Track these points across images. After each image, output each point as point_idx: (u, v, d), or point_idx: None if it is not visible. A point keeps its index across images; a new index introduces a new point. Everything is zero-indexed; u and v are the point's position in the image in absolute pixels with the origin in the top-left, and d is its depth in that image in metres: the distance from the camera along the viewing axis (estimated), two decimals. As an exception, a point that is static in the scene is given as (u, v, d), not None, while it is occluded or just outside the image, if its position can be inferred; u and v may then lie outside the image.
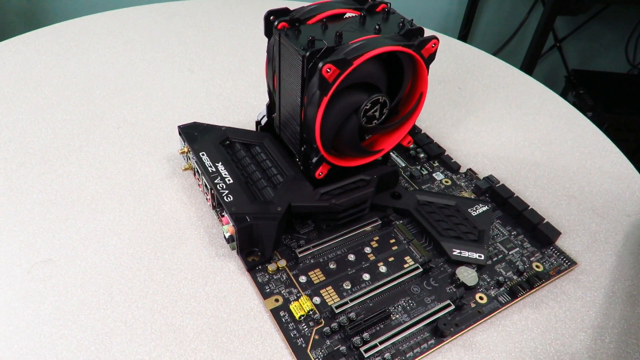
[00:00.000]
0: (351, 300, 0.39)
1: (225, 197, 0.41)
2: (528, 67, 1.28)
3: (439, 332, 0.38)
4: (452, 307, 0.39)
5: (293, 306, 0.38)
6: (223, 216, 0.42)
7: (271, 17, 0.41)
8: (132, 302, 0.39)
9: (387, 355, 0.36)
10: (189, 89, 0.64)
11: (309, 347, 0.36)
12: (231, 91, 0.64)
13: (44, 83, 0.63)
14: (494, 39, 1.54)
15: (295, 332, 0.37)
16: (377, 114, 0.41)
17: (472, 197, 0.50)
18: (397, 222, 0.47)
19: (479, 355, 0.37)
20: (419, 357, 0.37)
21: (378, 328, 0.38)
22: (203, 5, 0.85)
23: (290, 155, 0.46)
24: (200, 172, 0.45)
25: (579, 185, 0.53)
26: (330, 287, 0.41)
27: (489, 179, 0.51)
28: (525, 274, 0.43)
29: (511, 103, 0.66)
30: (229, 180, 0.43)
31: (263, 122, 0.49)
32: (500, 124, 0.62)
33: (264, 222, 0.40)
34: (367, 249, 0.44)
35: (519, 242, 0.46)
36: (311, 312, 0.38)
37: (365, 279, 0.42)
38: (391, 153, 0.53)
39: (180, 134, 0.49)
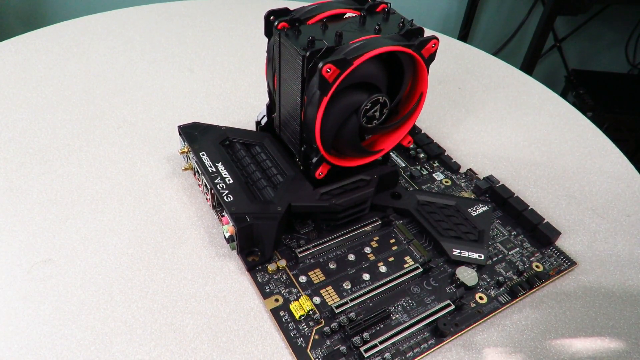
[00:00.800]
0: (351, 300, 0.39)
1: (225, 197, 0.41)
2: (528, 67, 1.29)
3: (439, 332, 0.38)
4: (452, 307, 0.39)
5: (293, 306, 0.39)
6: (223, 216, 0.42)
7: (271, 17, 0.41)
8: (132, 301, 0.39)
9: (387, 355, 0.36)
10: (189, 89, 0.64)
11: (309, 347, 0.36)
12: (231, 91, 0.64)
13: (44, 83, 0.63)
14: (494, 39, 1.54)
15: (295, 332, 0.37)
16: (377, 114, 0.41)
17: (472, 197, 0.50)
18: (397, 222, 0.47)
19: (479, 355, 0.38)
20: (419, 357, 0.37)
21: (378, 328, 0.38)
22: (203, 5, 0.85)
23: (290, 155, 0.46)
24: (200, 172, 0.45)
25: (579, 185, 0.53)
26: (330, 287, 0.41)
27: (489, 179, 0.51)
28: (525, 274, 0.43)
29: (511, 103, 0.66)
30: (229, 180, 0.43)
31: (263, 122, 0.49)
32: (500, 124, 0.62)
33: (264, 222, 0.40)
34: (367, 249, 0.44)
35: (518, 242, 0.46)
36: (311, 312, 0.38)
37: (365, 278, 0.42)
38: (391, 153, 0.53)
39: (180, 134, 0.49)
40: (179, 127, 0.49)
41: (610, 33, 1.51)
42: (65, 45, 0.71)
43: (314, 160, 0.41)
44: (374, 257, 0.43)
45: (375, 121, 0.42)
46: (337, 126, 0.40)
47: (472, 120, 0.63)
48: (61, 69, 0.66)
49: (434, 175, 0.52)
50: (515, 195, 0.49)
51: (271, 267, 0.41)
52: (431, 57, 0.40)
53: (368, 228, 0.45)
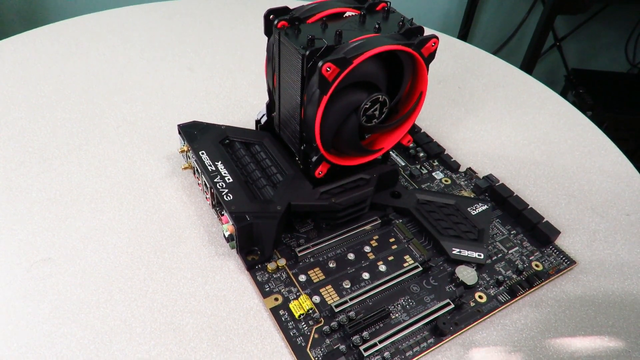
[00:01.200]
0: (351, 299, 0.39)
1: (224, 196, 0.41)
2: (528, 66, 1.29)
3: (439, 331, 0.38)
4: (452, 306, 0.39)
5: (293, 305, 0.39)
6: (223, 215, 0.42)
7: (271, 16, 0.41)
8: (132, 300, 0.39)
9: (386, 354, 0.36)
10: (188, 88, 0.64)
11: (309, 346, 0.36)
12: (231, 90, 0.64)
13: (44, 82, 0.63)
14: (494, 38, 1.54)
15: (295, 331, 0.37)
16: (376, 113, 0.41)
17: (472, 196, 0.50)
18: (397, 221, 0.47)
19: (479, 354, 0.38)
20: (419, 356, 0.37)
21: (377, 327, 0.38)
22: (203, 4, 0.85)
23: (290, 154, 0.46)
24: (199, 171, 0.45)
25: (579, 184, 0.53)
26: (329, 286, 0.41)
27: (489, 178, 0.51)
28: (524, 273, 0.43)
29: (511, 102, 0.66)
30: (228, 179, 0.43)
31: (263, 121, 0.49)
32: (500, 123, 0.62)
33: (263, 221, 0.40)
34: (367, 248, 0.44)
35: (518, 241, 0.46)
36: (311, 311, 0.38)
37: (365, 278, 0.42)
38: (391, 152, 0.53)
39: (179, 132, 0.49)
40: (179, 126, 0.49)
41: (610, 32, 1.51)
42: (65, 44, 0.71)
43: (314, 159, 0.41)
44: (373, 256, 0.43)
45: (375, 120, 0.41)
46: (337, 125, 0.40)
47: (472, 119, 0.63)
48: (61, 67, 0.66)
49: (433, 174, 0.52)
50: (514, 194, 0.49)
51: (271, 266, 0.41)
52: (431, 56, 0.40)
53: (368, 227, 0.45)
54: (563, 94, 1.39)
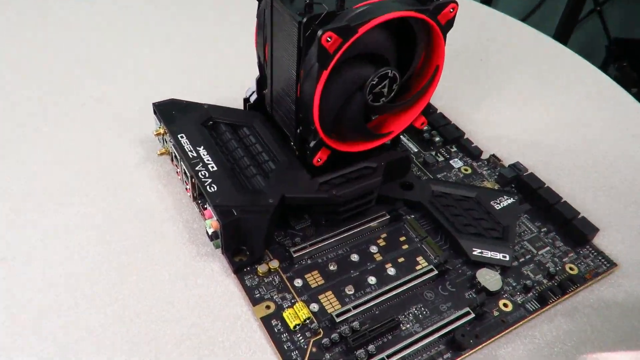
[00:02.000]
0: (354, 308, 0.39)
1: (208, 187, 0.41)
2: (562, 35, 1.28)
3: (457, 345, 0.38)
4: (472, 315, 0.39)
5: (287, 314, 0.39)
6: (205, 209, 0.42)
7: (262, -24, 0.40)
8: (100, 308, 0.39)
9: (395, 370, 0.36)
10: (165, 60, 0.64)
11: (305, 362, 0.37)
12: (215, 63, 0.64)
13: (-4, 52, 0.63)
14: (523, 2, 1.53)
15: (290, 344, 0.37)
16: (385, 90, 0.41)
17: (496, 187, 0.50)
18: (408, 217, 0.47)
19: (502, 371, 0.38)
20: (433, 373, 0.37)
21: (385, 339, 0.38)
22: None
23: (284, 139, 0.46)
24: (178, 157, 0.45)
25: (621, 175, 0.53)
26: (330, 292, 0.41)
27: (515, 166, 0.51)
28: (557, 277, 0.43)
29: (542, 78, 0.66)
30: (212, 167, 0.43)
31: (252, 99, 0.49)
32: (529, 103, 0.62)
33: (253, 216, 0.40)
34: (373, 248, 0.44)
35: (549, 240, 0.46)
36: (308, 321, 0.39)
37: (371, 282, 0.42)
38: (401, 136, 0.53)
39: (155, 112, 0.49)
40: (154, 104, 0.49)
41: (659, -5, 1.51)
42: (20, 9, 0.71)
43: (312, 144, 0.41)
44: (381, 258, 0.44)
45: (383, 99, 0.41)
46: (339, 105, 0.40)
47: (496, 98, 0.63)
48: (14, 35, 0.66)
49: (451, 162, 0.53)
50: (546, 186, 0.49)
51: (261, 268, 0.41)
52: (449, 24, 0.40)
53: (374, 224, 0.45)
54: (604, 67, 1.38)
